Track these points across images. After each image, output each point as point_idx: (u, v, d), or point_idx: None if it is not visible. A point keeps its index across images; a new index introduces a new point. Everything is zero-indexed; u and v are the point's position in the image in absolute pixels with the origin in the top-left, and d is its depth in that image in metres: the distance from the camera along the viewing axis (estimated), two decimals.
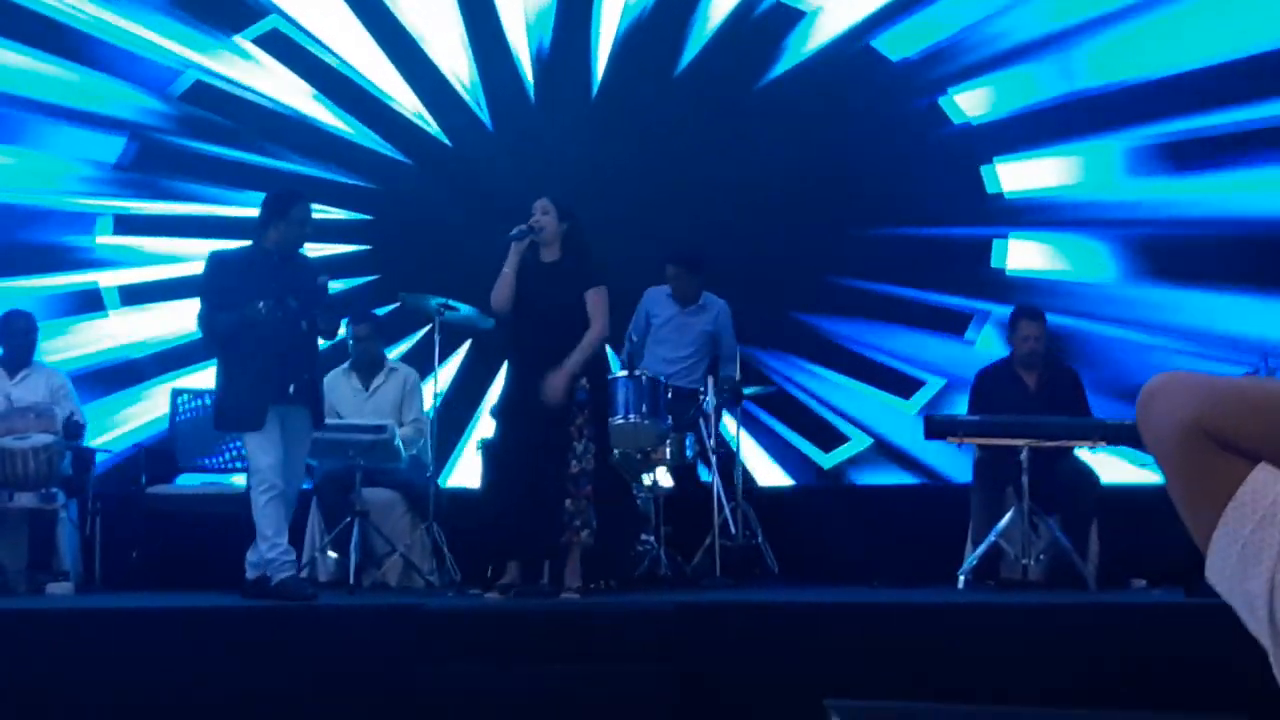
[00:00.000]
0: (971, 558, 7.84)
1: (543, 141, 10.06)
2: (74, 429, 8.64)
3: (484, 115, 10.16)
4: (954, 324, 9.78)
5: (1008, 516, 7.78)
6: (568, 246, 7.54)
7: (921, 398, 9.74)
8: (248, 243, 7.59)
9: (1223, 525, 1.54)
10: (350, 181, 10.14)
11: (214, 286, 7.44)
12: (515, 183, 9.39)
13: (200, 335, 7.64)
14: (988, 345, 9.48)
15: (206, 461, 9.15)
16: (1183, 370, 1.61)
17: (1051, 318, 8.68)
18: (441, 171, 10.11)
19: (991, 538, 7.77)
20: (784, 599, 7.25)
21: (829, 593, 7.73)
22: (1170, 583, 7.46)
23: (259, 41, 10.18)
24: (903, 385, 9.80)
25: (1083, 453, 8.17)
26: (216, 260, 7.58)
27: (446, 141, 10.14)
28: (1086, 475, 8.21)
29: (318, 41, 10.17)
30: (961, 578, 7.73)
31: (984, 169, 9.80)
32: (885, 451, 9.72)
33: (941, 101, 9.88)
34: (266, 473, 7.28)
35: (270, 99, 10.17)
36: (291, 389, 7.33)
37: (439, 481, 9.05)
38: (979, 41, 9.85)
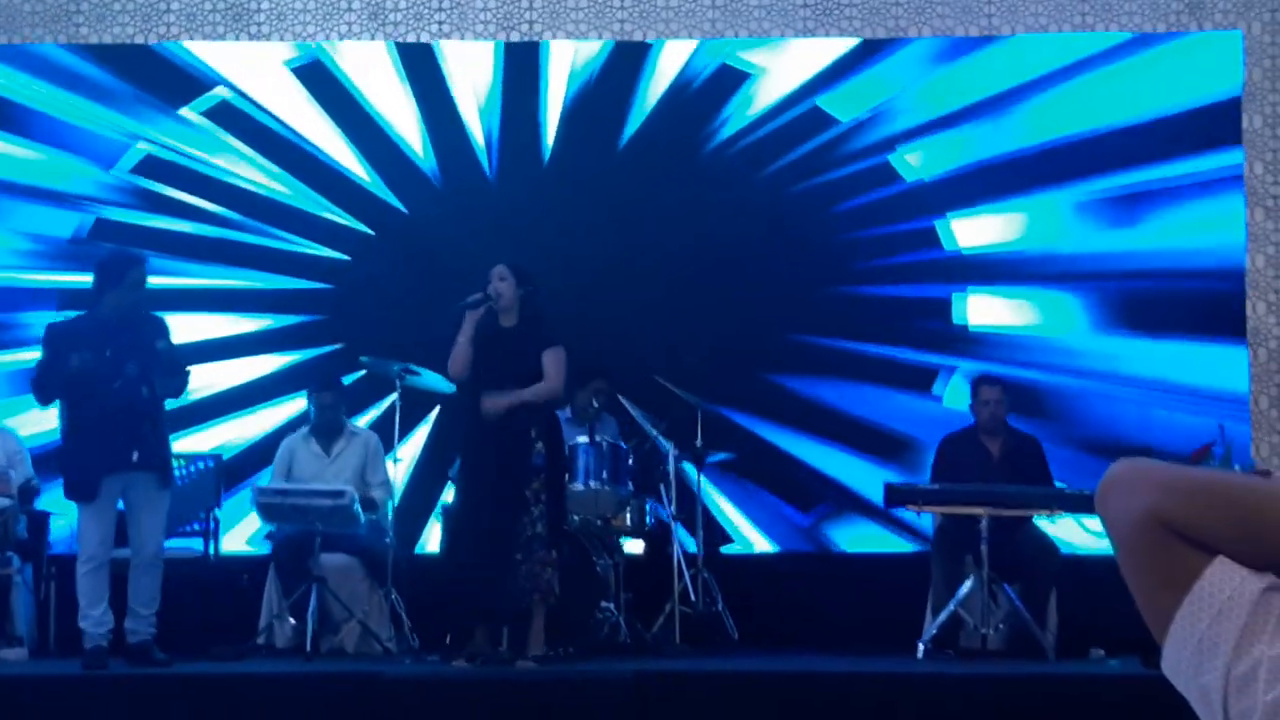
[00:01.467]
0: (931, 627, 7.84)
1: (497, 209, 10.07)
2: (29, 493, 8.57)
3: (438, 184, 10.18)
4: (920, 380, 9.82)
5: (967, 585, 7.79)
6: (525, 312, 7.61)
7: (893, 453, 9.73)
8: (82, 313, 7.66)
9: (1179, 619, 1.54)
10: (309, 251, 10.11)
11: (47, 355, 7.50)
12: (472, 248, 9.39)
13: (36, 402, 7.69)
14: (955, 400, 9.49)
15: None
16: (1142, 459, 1.61)
17: (1014, 371, 8.74)
18: (399, 240, 10.09)
19: (951, 607, 7.78)
20: (743, 667, 7.24)
21: (788, 661, 7.72)
22: (1129, 652, 7.47)
23: (209, 114, 10.13)
24: (873, 443, 9.80)
25: (1043, 522, 8.19)
26: (51, 331, 7.68)
27: (403, 209, 10.15)
28: (1046, 545, 8.23)
29: (268, 114, 10.15)
30: (921, 646, 7.72)
31: (938, 224, 9.88)
32: (858, 508, 9.68)
33: (891, 159, 9.95)
34: (89, 547, 7.39)
35: (223, 170, 10.13)
36: (135, 455, 7.34)
37: (412, 549, 9.02)
38: (924, 100, 9.93)
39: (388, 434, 8.72)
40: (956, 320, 9.83)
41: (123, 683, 6.90)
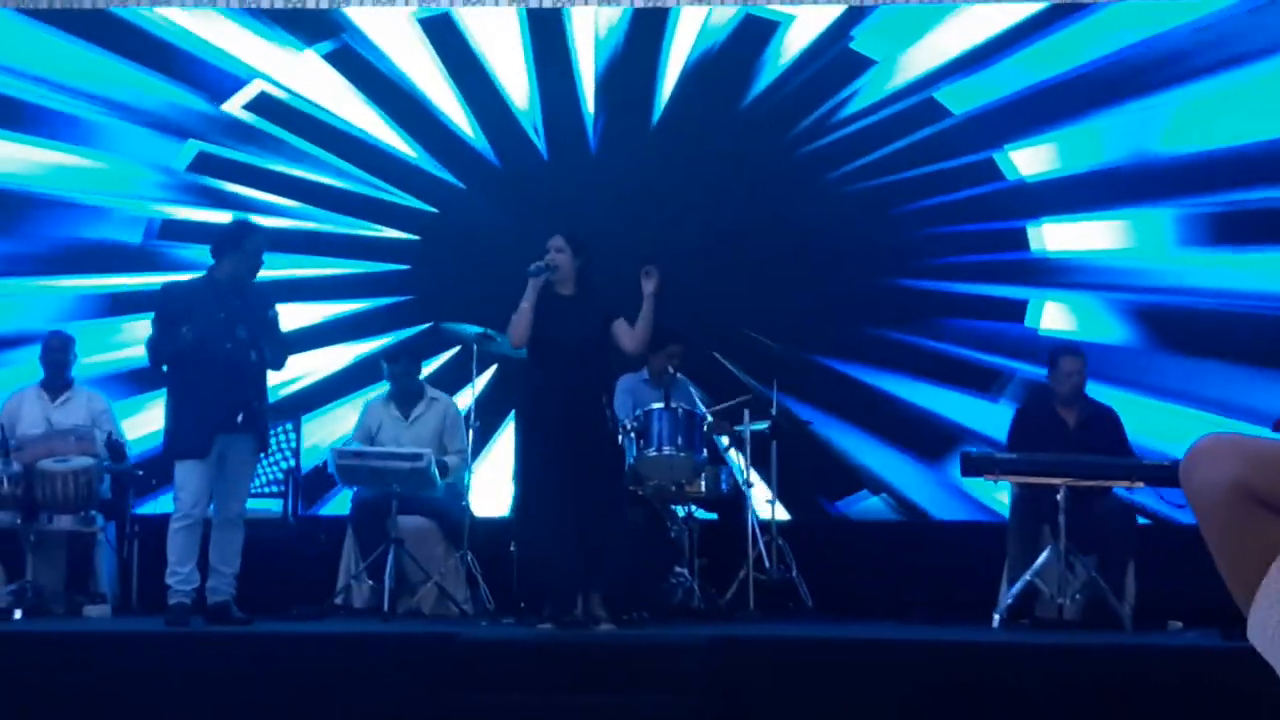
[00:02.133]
0: (1007, 596, 7.81)
1: (596, 171, 10.08)
2: (115, 450, 8.69)
3: (540, 142, 10.19)
4: (1012, 312, 9.76)
5: (1044, 555, 7.75)
6: (583, 282, 7.65)
7: (1000, 388, 9.69)
8: (201, 273, 7.82)
9: (1266, 585, 1.54)
10: (400, 201, 10.16)
11: (162, 315, 7.65)
12: (569, 208, 9.41)
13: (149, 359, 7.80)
14: (1049, 330, 9.44)
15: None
16: (1226, 433, 1.61)
17: (1102, 294, 8.61)
18: (492, 196, 10.12)
19: (1027, 577, 7.74)
20: (817, 634, 7.25)
21: (862, 628, 7.72)
22: (1207, 625, 7.41)
23: (252, 107, 10.19)
24: (930, 444, 9.74)
25: (1121, 493, 8.13)
26: (166, 289, 7.88)
27: (498, 164, 10.17)
28: (1125, 515, 8.17)
29: (382, 56, 10.19)
30: (996, 616, 7.70)
31: (1029, 227, 9.80)
32: (905, 509, 9.68)
33: (997, 157, 9.87)
34: (185, 504, 7.47)
35: (329, 113, 10.18)
36: (240, 417, 7.48)
37: (488, 514, 9.08)
38: (1040, 99, 9.84)
39: (451, 389, 8.74)
40: (1029, 324, 9.75)
41: (204, 641, 7.00)
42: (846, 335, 9.90)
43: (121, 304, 9.92)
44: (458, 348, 8.53)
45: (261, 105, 10.18)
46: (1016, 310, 9.80)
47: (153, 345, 7.66)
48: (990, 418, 9.43)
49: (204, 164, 10.14)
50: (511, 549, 7.98)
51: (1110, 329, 9.67)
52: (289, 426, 9.24)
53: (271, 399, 8.08)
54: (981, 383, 9.74)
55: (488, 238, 9.88)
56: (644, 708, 6.29)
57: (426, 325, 9.80)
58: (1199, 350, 9.53)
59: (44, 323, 9.64)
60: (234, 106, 10.18)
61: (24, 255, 10.10)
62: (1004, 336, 9.78)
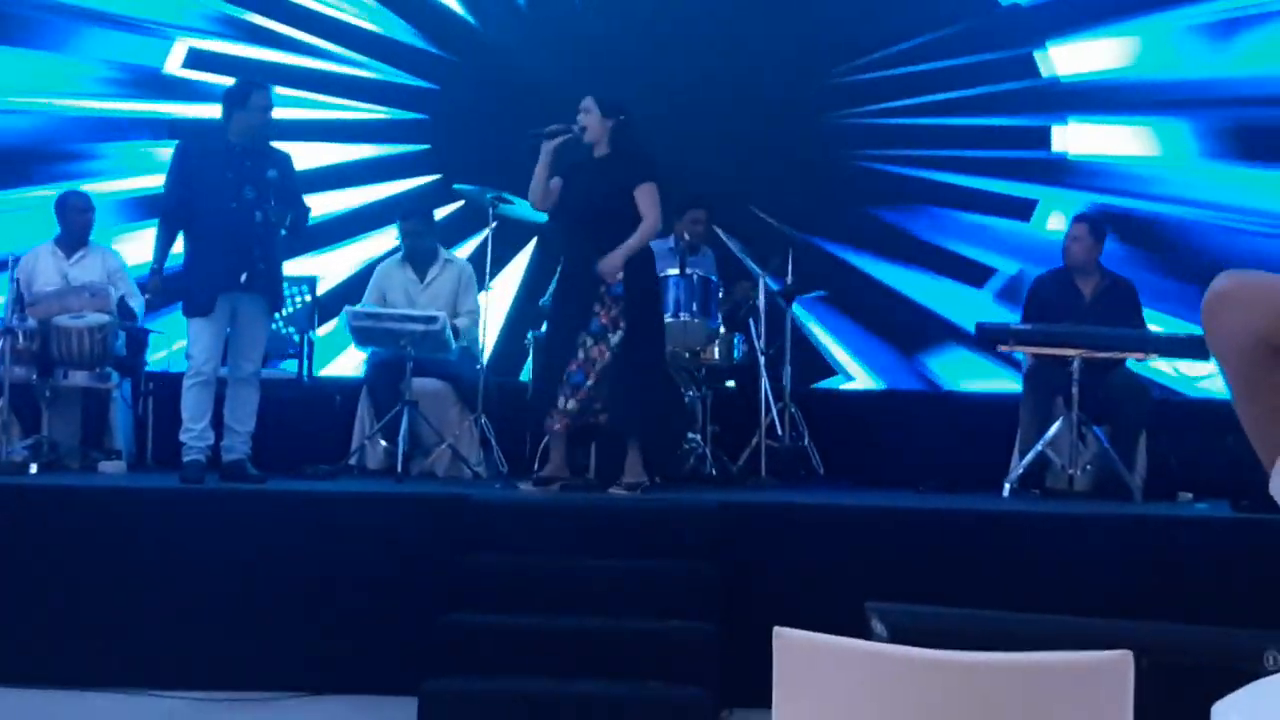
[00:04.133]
0: (1018, 465, 7.83)
1: (581, 27, 9.98)
2: (127, 310, 8.71)
3: (522, 6, 10.10)
4: (1021, 210, 9.74)
5: (1056, 426, 7.76)
6: (616, 142, 7.53)
7: (995, 284, 9.70)
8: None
9: None
10: (402, 81, 10.11)
11: (176, 169, 7.68)
12: (558, 75, 9.35)
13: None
14: (1059, 231, 9.40)
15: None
16: (1249, 274, 1.56)
17: (1119, 201, 8.58)
18: (485, 67, 10.06)
19: (1039, 447, 7.75)
20: (828, 501, 7.27)
21: (873, 496, 7.75)
22: (1217, 496, 7.44)
23: None
24: (974, 274, 9.77)
25: (1135, 365, 8.12)
26: (181, 148, 7.90)
27: (482, 32, 10.10)
28: (1138, 387, 8.16)
29: None
30: (1007, 485, 7.72)
31: (1036, 53, 9.71)
32: (960, 339, 9.65)
33: (1036, 53, 9.76)
34: (196, 362, 7.52)
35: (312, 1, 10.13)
36: (244, 277, 7.49)
37: (506, 378, 9.10)
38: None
39: (481, 264, 8.74)
40: (1056, 150, 9.70)
41: (217, 497, 7.05)
42: (873, 178, 9.89)
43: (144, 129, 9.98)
44: (490, 226, 8.49)
45: None
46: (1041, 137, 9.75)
47: (164, 202, 7.75)
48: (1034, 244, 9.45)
49: (196, 61, 10.13)
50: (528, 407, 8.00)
51: (1143, 146, 9.63)
52: (304, 288, 9.23)
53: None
54: (1022, 211, 9.75)
55: (490, 107, 9.84)
56: (655, 571, 6.34)
57: (437, 177, 9.80)
58: (1241, 157, 9.48)
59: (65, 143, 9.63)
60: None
61: (64, 73, 10.16)
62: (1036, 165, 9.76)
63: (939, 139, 9.84)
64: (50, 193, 9.40)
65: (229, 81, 8.21)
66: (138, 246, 9.84)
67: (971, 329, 8.40)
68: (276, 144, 7.89)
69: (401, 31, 10.15)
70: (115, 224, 9.91)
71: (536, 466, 7.80)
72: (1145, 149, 9.65)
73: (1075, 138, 9.72)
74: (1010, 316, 8.88)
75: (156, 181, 9.84)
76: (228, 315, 7.54)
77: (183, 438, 7.54)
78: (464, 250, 9.54)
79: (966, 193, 9.80)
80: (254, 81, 7.91)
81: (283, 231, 7.75)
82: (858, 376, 9.93)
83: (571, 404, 7.35)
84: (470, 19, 10.11)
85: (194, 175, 7.55)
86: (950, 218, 9.84)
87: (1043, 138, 9.77)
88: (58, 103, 10.17)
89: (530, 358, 8.75)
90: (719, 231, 8.98)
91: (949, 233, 9.83)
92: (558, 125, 7.46)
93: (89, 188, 9.47)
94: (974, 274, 9.81)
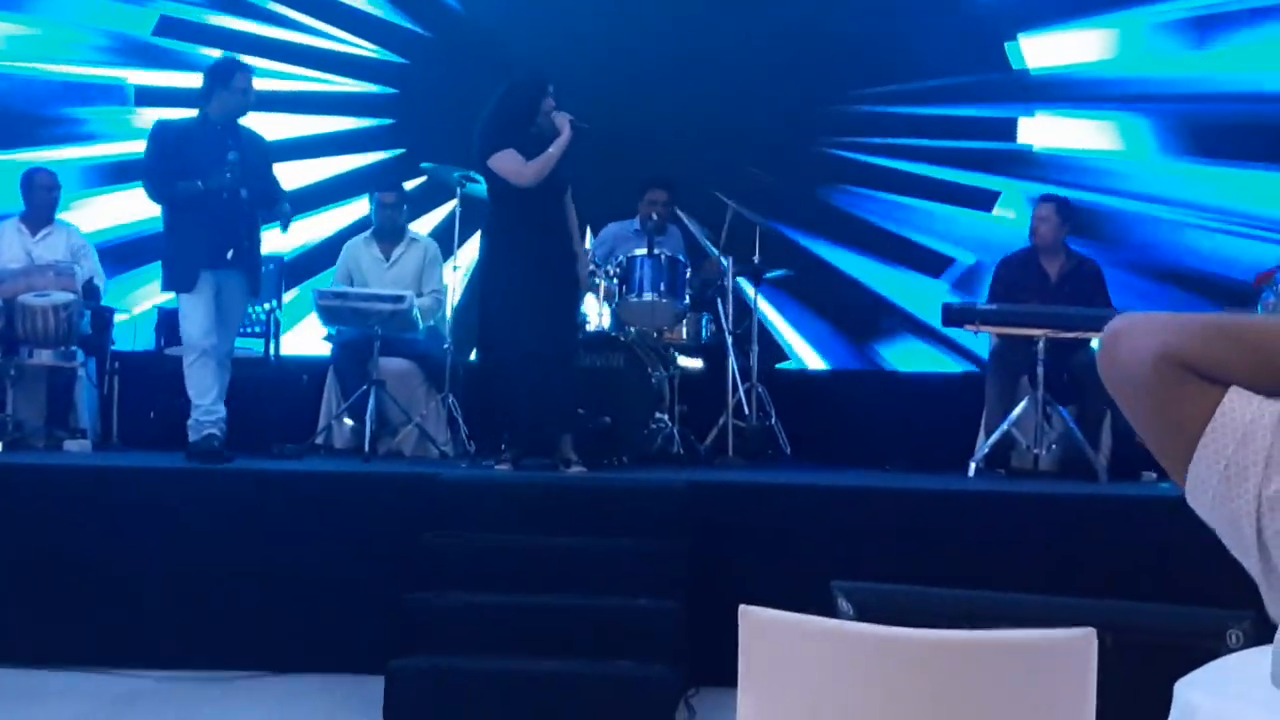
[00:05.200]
0: (984, 445, 7.87)
1: (555, 11, 9.97)
2: (92, 289, 8.67)
3: None
4: (983, 201, 9.77)
5: (1021, 405, 7.80)
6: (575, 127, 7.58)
7: (951, 275, 9.73)
8: (194, 112, 7.78)
9: (1201, 449, 1.56)
10: (374, 55, 10.08)
11: (155, 153, 7.63)
12: (534, 52, 9.34)
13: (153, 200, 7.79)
14: (1020, 223, 9.43)
15: None
16: (1144, 311, 1.64)
17: (1080, 195, 8.62)
18: (460, 43, 10.04)
19: (1004, 426, 7.79)
20: (795, 480, 7.29)
21: (840, 476, 7.77)
22: None
23: None
24: (934, 263, 9.79)
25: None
26: (159, 129, 7.81)
27: (461, 10, 10.08)
28: None
29: None
30: (973, 465, 7.76)
31: (1008, 45, 9.73)
32: (914, 329, 9.69)
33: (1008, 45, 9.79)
34: (192, 337, 7.52)
35: None
36: (230, 254, 7.52)
37: (467, 355, 9.08)
38: None
39: (447, 242, 8.73)
40: (1021, 142, 9.73)
41: (185, 476, 7.03)
42: (838, 164, 9.91)
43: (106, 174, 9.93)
44: (452, 201, 8.46)
45: None
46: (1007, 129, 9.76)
47: (152, 187, 7.67)
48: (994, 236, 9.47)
49: (168, 28, 10.03)
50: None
51: (1108, 140, 9.66)
52: (270, 267, 9.19)
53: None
54: (983, 202, 9.78)
55: (461, 83, 9.82)
56: (623, 550, 6.35)
57: (402, 151, 9.76)
58: (1202, 155, 9.50)
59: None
60: None
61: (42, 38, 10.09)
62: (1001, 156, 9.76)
63: (905, 127, 9.85)
64: (18, 157, 9.34)
65: (199, 50, 8.20)
66: (102, 212, 9.83)
67: (926, 319, 8.41)
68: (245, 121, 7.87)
69: (376, 4, 10.12)
70: (80, 189, 9.85)
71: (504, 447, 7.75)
72: (1109, 143, 9.69)
73: (1041, 130, 9.75)
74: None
75: (126, 148, 9.84)
76: (213, 289, 7.53)
77: (194, 416, 7.52)
78: (424, 223, 9.52)
79: (930, 182, 9.83)
80: (237, 62, 7.89)
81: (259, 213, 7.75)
82: (809, 362, 9.94)
83: None
84: (416, 26, 10.09)
85: (174, 153, 7.53)
86: (911, 207, 9.85)
87: (1009, 129, 9.79)
88: (23, 65, 10.09)
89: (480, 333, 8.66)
90: (679, 213, 8.98)
91: (909, 221, 9.85)
92: (581, 124, 7.46)
93: (55, 154, 9.42)
94: (933, 263, 9.83)
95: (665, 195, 8.85)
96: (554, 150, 7.41)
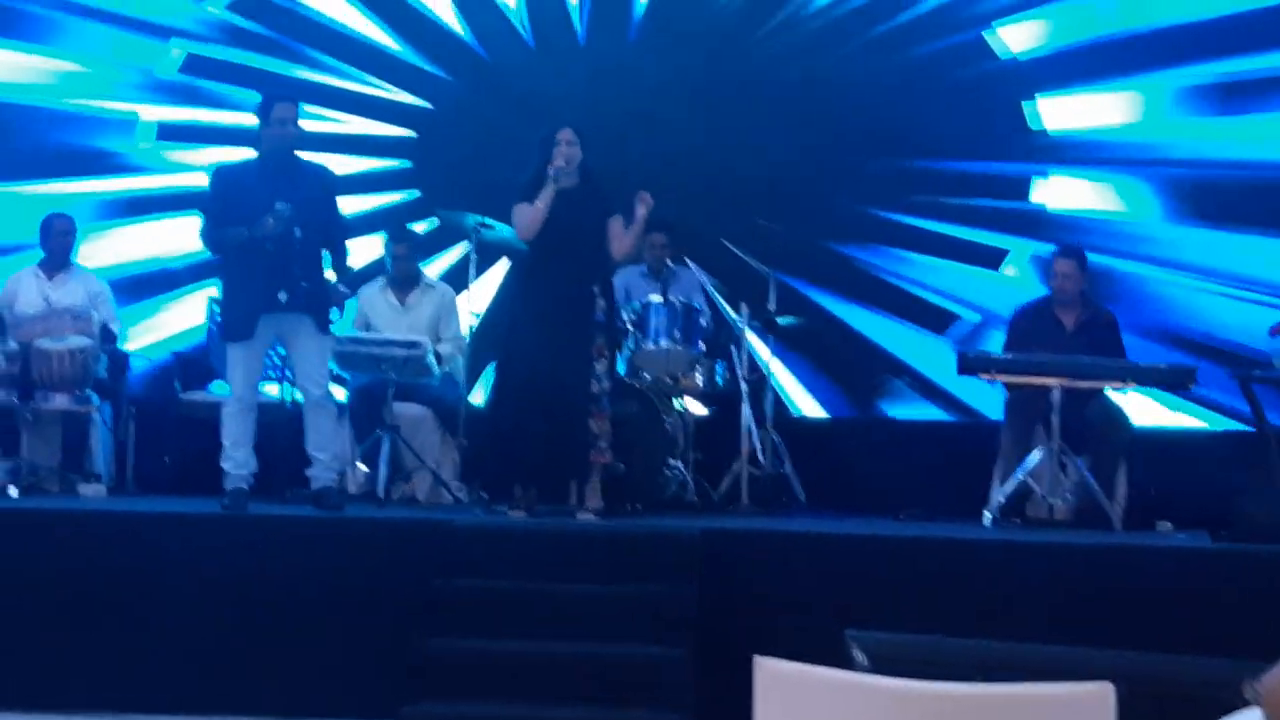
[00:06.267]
0: (998, 494, 7.84)
1: (584, 61, 10.01)
2: (108, 334, 8.70)
3: (526, 34, 10.11)
4: (991, 259, 9.75)
5: (1036, 454, 7.77)
6: (585, 172, 7.60)
7: (956, 332, 9.71)
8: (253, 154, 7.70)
9: None
10: (393, 97, 10.12)
11: (209, 198, 7.61)
12: (557, 104, 9.37)
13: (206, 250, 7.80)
14: (1028, 283, 9.42)
15: None
16: None
17: (1092, 256, 8.60)
18: (483, 90, 10.07)
19: (1019, 475, 7.77)
20: (809, 528, 7.28)
21: (854, 524, 7.75)
22: (1196, 526, 7.46)
23: None
24: (938, 320, 9.78)
25: (1114, 394, 8.14)
26: (214, 173, 7.77)
27: (485, 57, 10.11)
28: (1117, 417, 8.18)
29: None
30: (988, 514, 7.73)
31: (1026, 105, 9.73)
32: (918, 386, 9.70)
33: (986, 35, 9.78)
34: (235, 387, 7.46)
35: (315, 11, 10.11)
36: (284, 296, 7.35)
37: (479, 400, 9.09)
38: None
39: (461, 285, 8.74)
40: (1035, 202, 9.72)
41: (196, 522, 7.01)
42: (850, 218, 9.89)
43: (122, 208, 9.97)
44: (464, 244, 8.51)
45: (244, 5, 10.09)
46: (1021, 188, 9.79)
47: (206, 235, 7.62)
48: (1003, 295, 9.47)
49: (194, 66, 10.08)
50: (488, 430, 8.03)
51: (1122, 202, 9.62)
52: None
53: None
54: (992, 261, 9.76)
55: (481, 129, 9.85)
56: (637, 597, 6.34)
57: (416, 194, 9.78)
58: (1216, 220, 9.44)
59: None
60: (217, 6, 10.10)
61: (16, 162, 10.05)
62: (1013, 215, 9.77)
63: (918, 182, 9.83)
64: (37, 189, 9.40)
65: (223, 88, 8.22)
66: (122, 244, 9.85)
67: (930, 374, 8.38)
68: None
69: (398, 47, 10.17)
70: (98, 220, 9.88)
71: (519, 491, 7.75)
72: (1121, 205, 9.64)
73: (1055, 191, 9.73)
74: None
75: (147, 183, 9.89)
76: (269, 338, 7.47)
77: (223, 465, 7.44)
78: (435, 267, 9.52)
79: (939, 238, 9.79)
80: (276, 94, 7.82)
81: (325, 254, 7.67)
82: (809, 414, 9.89)
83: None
84: (472, 41, 10.13)
85: (226, 197, 7.43)
86: (918, 262, 9.82)
87: (1022, 188, 9.76)
88: (43, 98, 10.12)
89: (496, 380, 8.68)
90: (690, 263, 9.00)
91: (916, 277, 9.82)
92: (560, 163, 7.46)
93: (75, 187, 9.47)
94: (938, 320, 9.80)
95: (664, 238, 8.89)
96: (539, 202, 7.45)
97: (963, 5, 9.79)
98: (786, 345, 9.44)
